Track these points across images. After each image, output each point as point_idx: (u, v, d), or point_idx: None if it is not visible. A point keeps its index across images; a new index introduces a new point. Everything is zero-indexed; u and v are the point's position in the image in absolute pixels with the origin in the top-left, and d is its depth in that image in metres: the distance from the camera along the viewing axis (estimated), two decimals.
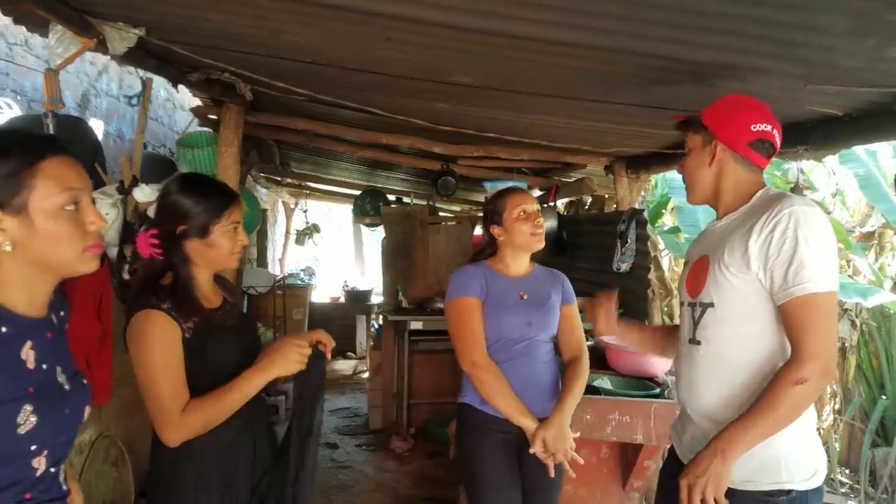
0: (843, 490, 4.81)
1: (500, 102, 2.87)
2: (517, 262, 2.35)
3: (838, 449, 5.11)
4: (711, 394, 1.66)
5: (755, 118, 1.62)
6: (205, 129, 4.36)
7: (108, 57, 2.82)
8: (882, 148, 4.80)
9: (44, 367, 1.11)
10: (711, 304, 1.64)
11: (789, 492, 1.55)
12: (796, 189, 2.48)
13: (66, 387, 1.16)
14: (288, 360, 1.71)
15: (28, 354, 1.08)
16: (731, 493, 1.54)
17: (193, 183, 1.76)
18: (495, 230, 2.33)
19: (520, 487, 2.28)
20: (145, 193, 2.57)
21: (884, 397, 4.93)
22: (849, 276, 5.03)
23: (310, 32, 2.08)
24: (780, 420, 1.49)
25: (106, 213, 2.63)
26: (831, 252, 1.50)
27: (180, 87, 3.66)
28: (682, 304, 1.80)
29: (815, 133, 2.29)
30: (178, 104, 4.95)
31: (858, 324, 4.91)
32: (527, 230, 2.27)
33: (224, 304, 1.85)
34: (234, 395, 1.67)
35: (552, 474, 2.16)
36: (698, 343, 1.68)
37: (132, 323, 1.63)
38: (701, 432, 1.67)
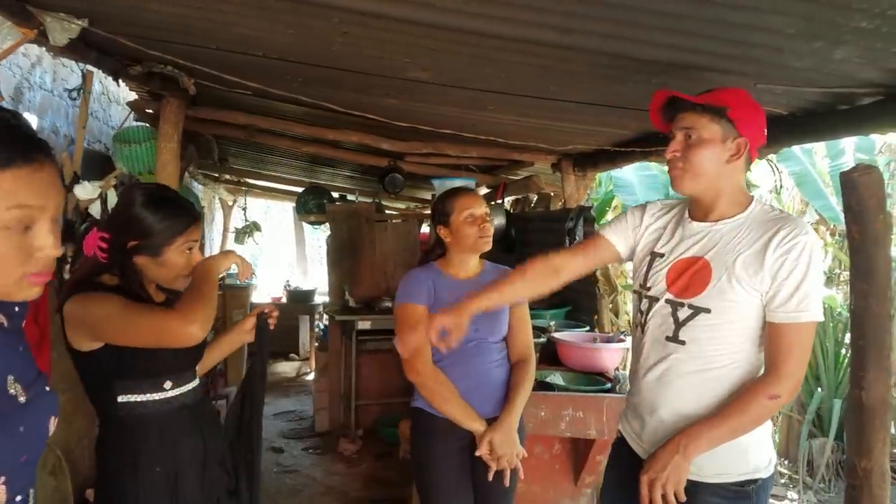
0: (783, 481, 4.99)
1: (450, 98, 2.86)
2: (465, 264, 2.34)
3: (777, 441, 5.29)
4: (689, 392, 1.66)
5: (765, 122, 1.64)
6: (142, 123, 4.21)
7: (42, 48, 2.69)
8: (817, 147, 5.03)
9: None
10: (707, 310, 1.62)
11: (756, 480, 1.63)
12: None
13: (21, 399, 1.01)
14: (223, 258, 1.80)
15: None
16: (704, 487, 1.61)
17: (157, 200, 1.70)
18: (442, 231, 2.32)
19: (471, 491, 2.28)
20: (87, 191, 2.46)
21: (819, 389, 5.14)
22: None
23: (264, 26, 2.02)
24: (745, 427, 1.57)
25: None
26: (821, 281, 1.60)
27: (119, 84, 3.52)
28: (651, 297, 1.73)
29: None
30: (113, 98, 4.75)
31: None
32: (473, 234, 2.26)
33: (166, 301, 1.81)
34: (202, 288, 1.65)
35: (490, 478, 2.16)
36: (682, 343, 1.66)
37: (67, 309, 1.59)
38: (666, 427, 1.68)
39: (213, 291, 1.65)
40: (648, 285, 1.76)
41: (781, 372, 1.53)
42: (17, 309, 1.09)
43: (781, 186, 4.65)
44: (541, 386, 2.77)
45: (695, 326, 1.64)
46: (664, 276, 1.72)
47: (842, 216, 2.03)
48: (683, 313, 1.66)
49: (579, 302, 3.94)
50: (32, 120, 3.36)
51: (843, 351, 5.22)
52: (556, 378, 2.97)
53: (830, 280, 5.34)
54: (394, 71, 2.34)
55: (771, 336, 1.57)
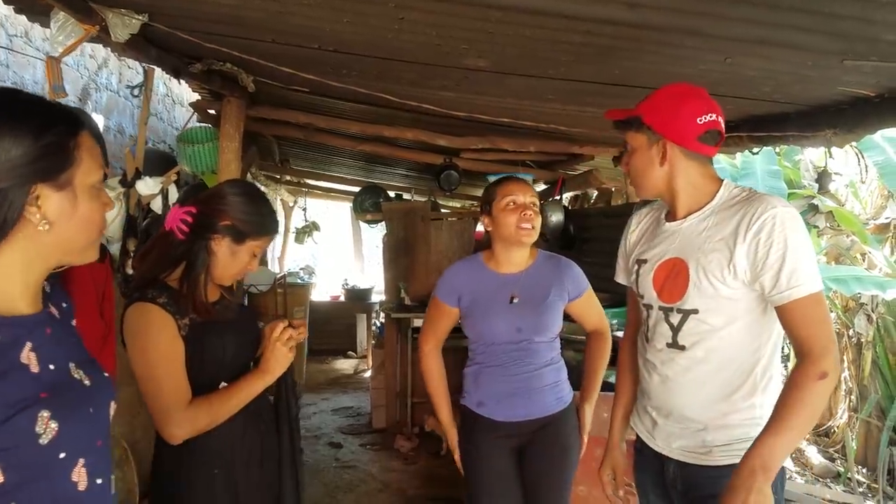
0: (861, 490, 4.72)
1: (508, 88, 2.77)
2: (509, 258, 2.22)
3: (855, 447, 5.01)
4: (698, 395, 1.64)
5: (700, 110, 1.57)
6: (205, 124, 4.28)
7: (108, 50, 2.75)
8: None
9: (51, 367, 0.98)
10: (695, 311, 1.60)
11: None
12: (824, 175, 2.39)
13: (86, 382, 1.04)
14: (281, 359, 1.72)
15: (29, 357, 0.95)
16: (727, 472, 1.46)
17: (257, 196, 1.78)
18: (485, 220, 2.24)
19: (519, 491, 2.23)
20: (148, 186, 2.48)
21: None
22: (865, 269, 4.93)
23: (319, 14, 1.98)
24: (810, 419, 1.45)
25: None
26: (811, 251, 1.52)
27: (180, 83, 3.57)
28: (647, 305, 1.74)
29: (844, 115, 2.20)
30: (177, 100, 4.86)
31: (874, 318, 4.81)
32: (512, 222, 2.12)
33: (221, 298, 1.80)
34: (239, 396, 1.66)
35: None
36: (682, 348, 1.64)
37: (126, 316, 1.58)
38: (679, 430, 1.68)
39: (235, 409, 1.65)
40: (641, 293, 1.76)
41: (816, 351, 1.43)
42: (65, 305, 1.12)
43: (867, 174, 4.36)
44: (603, 387, 2.66)
45: (689, 330, 1.62)
46: (650, 282, 1.71)
47: None
48: (675, 318, 1.64)
49: None
50: (99, 120, 3.46)
51: None
52: None
53: None
54: (451, 59, 2.27)
55: (783, 322, 1.51)
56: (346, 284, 9.12)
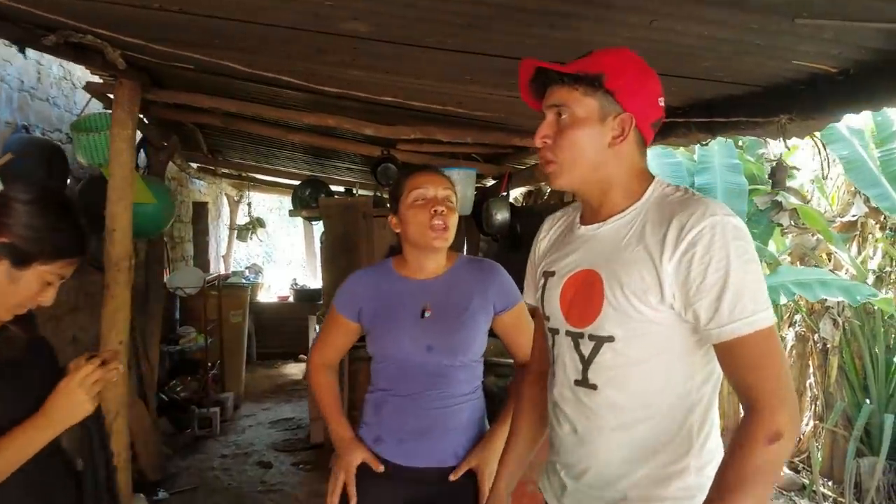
0: (826, 503, 4.44)
1: (413, 66, 2.34)
2: (420, 263, 1.87)
3: (820, 459, 4.74)
4: (615, 452, 1.27)
5: (659, 89, 1.27)
6: (106, 111, 3.83)
7: None
8: (867, 125, 4.41)
9: None
10: (610, 339, 1.23)
11: None
12: (778, 169, 2.02)
13: None
14: (74, 407, 1.32)
15: None
16: None
17: (56, 205, 1.35)
18: (392, 221, 1.87)
19: None
20: None
21: (868, 402, 4.57)
22: (830, 270, 4.65)
23: None
24: (759, 495, 1.08)
25: None
26: (762, 274, 1.17)
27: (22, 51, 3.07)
28: (553, 330, 1.37)
29: (801, 97, 1.81)
30: (78, 83, 4.37)
31: (841, 322, 4.53)
32: (422, 220, 1.75)
33: (2, 331, 1.36)
34: (2, 457, 1.25)
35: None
36: (593, 387, 1.26)
37: None
38: (592, 499, 1.32)
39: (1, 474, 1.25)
40: (547, 314, 1.39)
41: (766, 404, 1.08)
42: None
43: (829, 168, 4.04)
44: None
45: (603, 363, 1.26)
46: (557, 300, 1.34)
47: None
48: (586, 348, 1.28)
49: None
50: None
51: None
52: None
53: (880, 280, 4.73)
54: (325, 22, 1.83)
55: (724, 363, 1.16)
56: (295, 284, 8.70)
